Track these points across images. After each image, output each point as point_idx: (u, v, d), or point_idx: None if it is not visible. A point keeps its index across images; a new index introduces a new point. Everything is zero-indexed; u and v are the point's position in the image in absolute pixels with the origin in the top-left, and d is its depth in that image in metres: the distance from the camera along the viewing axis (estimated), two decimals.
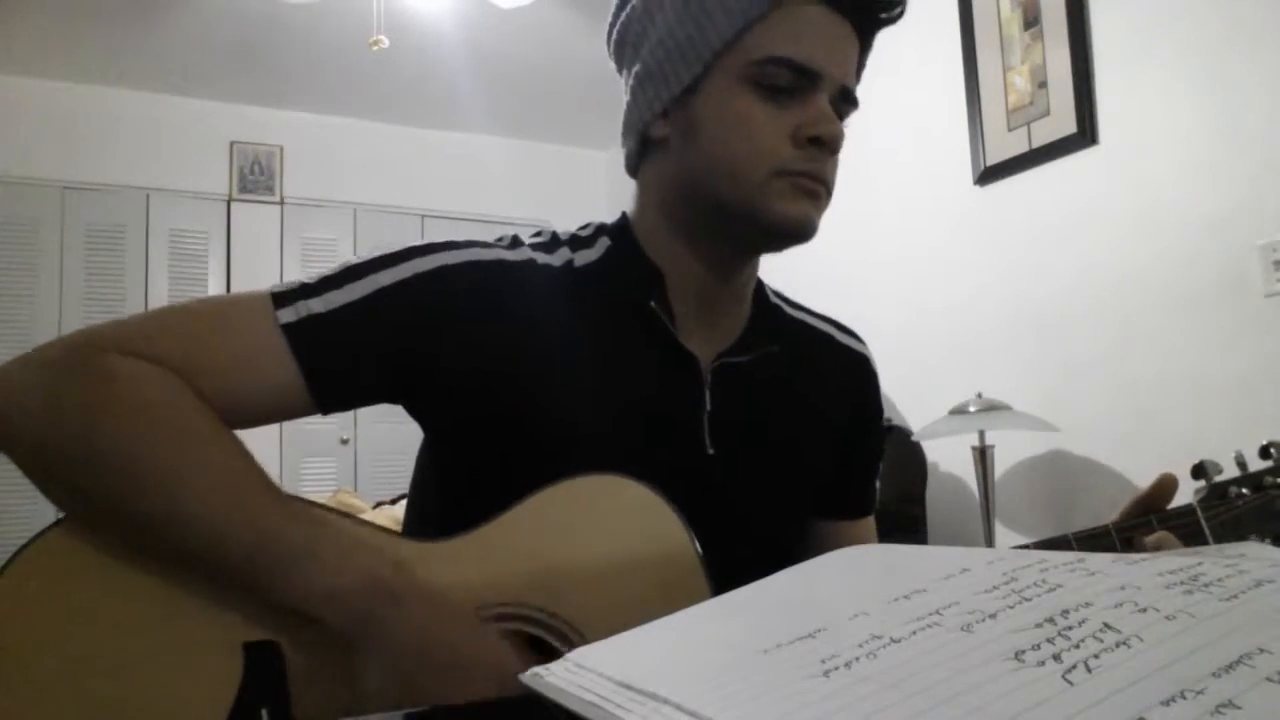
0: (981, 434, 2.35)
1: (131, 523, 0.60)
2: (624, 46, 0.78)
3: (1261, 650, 0.29)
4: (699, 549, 0.67)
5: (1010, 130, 2.54)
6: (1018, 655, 0.31)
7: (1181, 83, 2.11)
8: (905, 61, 2.85)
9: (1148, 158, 2.19)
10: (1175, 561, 0.39)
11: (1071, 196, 2.38)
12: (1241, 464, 0.73)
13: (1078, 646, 0.31)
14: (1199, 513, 0.70)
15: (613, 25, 0.79)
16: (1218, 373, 2.02)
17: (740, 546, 0.74)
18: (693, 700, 0.31)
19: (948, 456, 2.70)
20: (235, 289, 4.18)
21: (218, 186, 4.28)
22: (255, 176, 4.33)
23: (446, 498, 0.77)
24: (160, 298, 4.10)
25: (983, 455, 2.35)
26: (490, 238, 0.76)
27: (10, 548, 0.60)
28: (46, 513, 0.59)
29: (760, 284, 0.84)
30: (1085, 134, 2.32)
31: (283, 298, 0.67)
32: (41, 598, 0.59)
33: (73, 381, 0.61)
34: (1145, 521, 0.69)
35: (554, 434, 0.71)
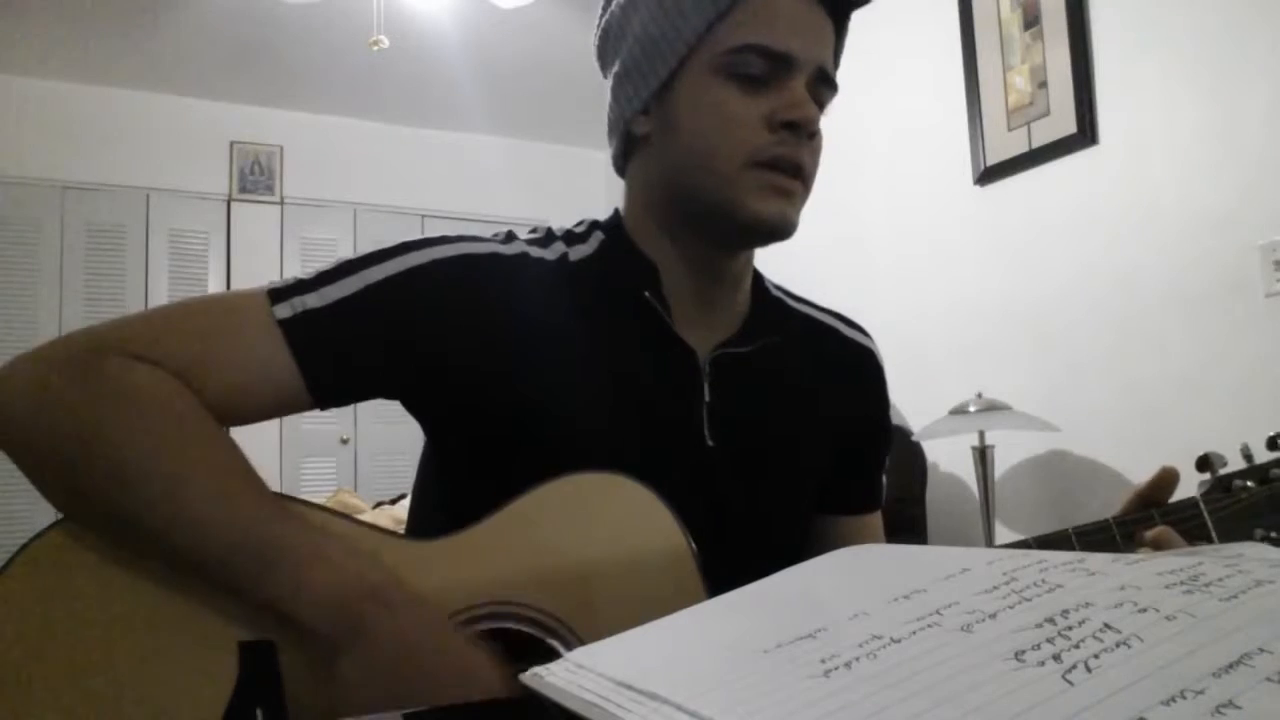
0: (981, 434, 2.35)
1: (121, 525, 0.60)
2: (605, 50, 0.80)
3: (1261, 650, 0.29)
4: (693, 545, 0.66)
5: (1010, 130, 2.54)
6: (1018, 655, 0.31)
7: (1181, 83, 2.11)
8: (905, 62, 2.85)
9: (1148, 158, 2.19)
10: (1175, 562, 0.39)
11: (1071, 196, 2.38)
12: (1247, 456, 0.71)
13: (1078, 646, 0.31)
14: (1202, 507, 0.68)
15: (596, 31, 0.81)
16: (1217, 372, 2.02)
17: (739, 539, 0.74)
18: (693, 700, 0.31)
19: (948, 456, 2.70)
20: (235, 289, 4.18)
21: (218, 186, 4.28)
22: (255, 176, 4.34)
23: (446, 496, 0.77)
24: (160, 298, 4.10)
25: (983, 455, 2.35)
26: (487, 234, 0.76)
27: (10, 548, 0.60)
28: (46, 513, 0.59)
29: (760, 277, 0.84)
30: (1085, 134, 2.32)
31: (279, 294, 0.67)
32: (39, 597, 0.59)
33: (68, 382, 0.61)
34: (1147, 516, 0.68)
35: (550, 427, 0.71)
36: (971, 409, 2.37)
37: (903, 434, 2.60)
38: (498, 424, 0.71)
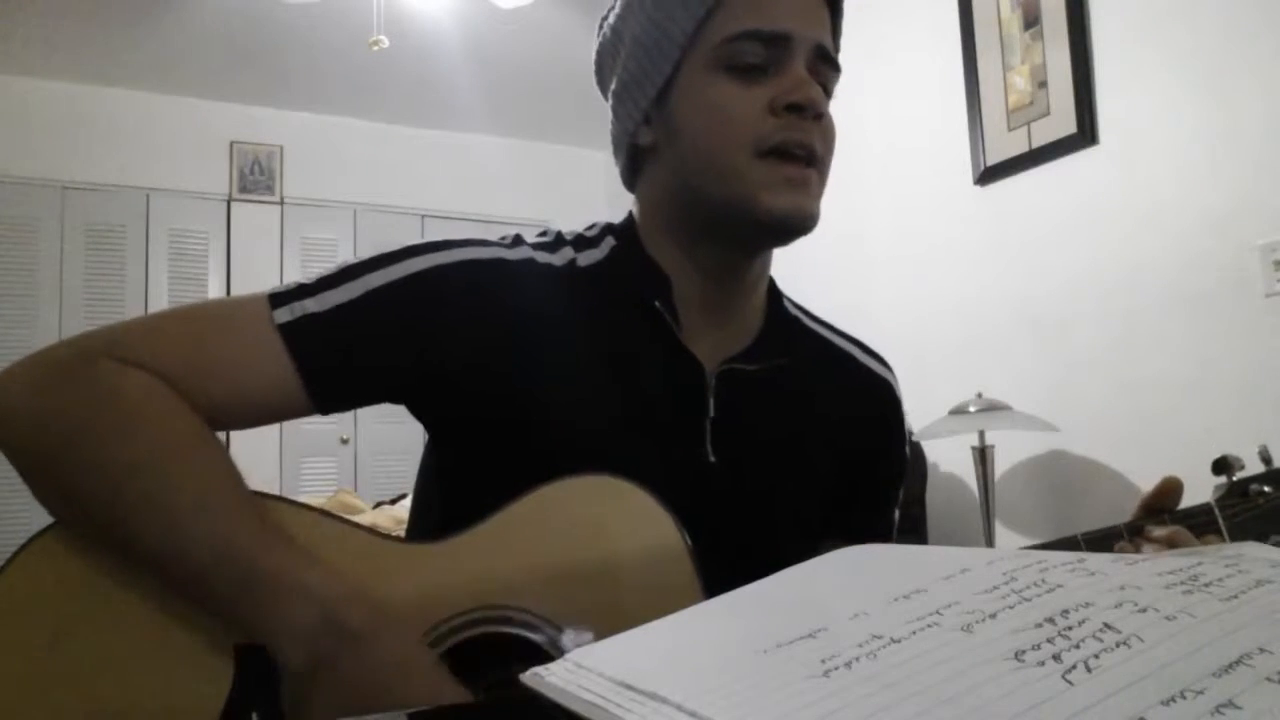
0: (981, 434, 2.35)
1: (107, 532, 0.60)
2: (603, 70, 0.79)
3: (1261, 650, 0.29)
4: (689, 543, 0.66)
5: (1010, 130, 2.54)
6: (1018, 655, 0.31)
7: (1181, 83, 2.11)
8: (905, 61, 2.85)
9: (1148, 158, 2.19)
10: (1175, 562, 0.39)
11: (1071, 196, 2.38)
12: (1266, 458, 0.69)
13: (1078, 646, 0.31)
14: (1217, 512, 0.66)
15: (594, 55, 0.81)
16: (1218, 372, 2.02)
17: (739, 557, 0.73)
18: (693, 700, 0.31)
19: (948, 456, 2.70)
20: (235, 289, 4.19)
21: (218, 186, 4.28)
22: (255, 176, 4.34)
23: (447, 498, 0.77)
24: (160, 298, 4.11)
25: (983, 455, 2.35)
26: (494, 237, 0.76)
27: (9, 548, 0.60)
28: (43, 514, 0.59)
29: (778, 293, 0.83)
30: (1085, 134, 2.32)
31: (280, 298, 0.67)
32: (37, 599, 0.59)
33: (60, 384, 0.61)
34: (1160, 520, 0.66)
35: (550, 433, 0.70)
36: (971, 409, 2.37)
37: None
38: (497, 429, 0.71)
